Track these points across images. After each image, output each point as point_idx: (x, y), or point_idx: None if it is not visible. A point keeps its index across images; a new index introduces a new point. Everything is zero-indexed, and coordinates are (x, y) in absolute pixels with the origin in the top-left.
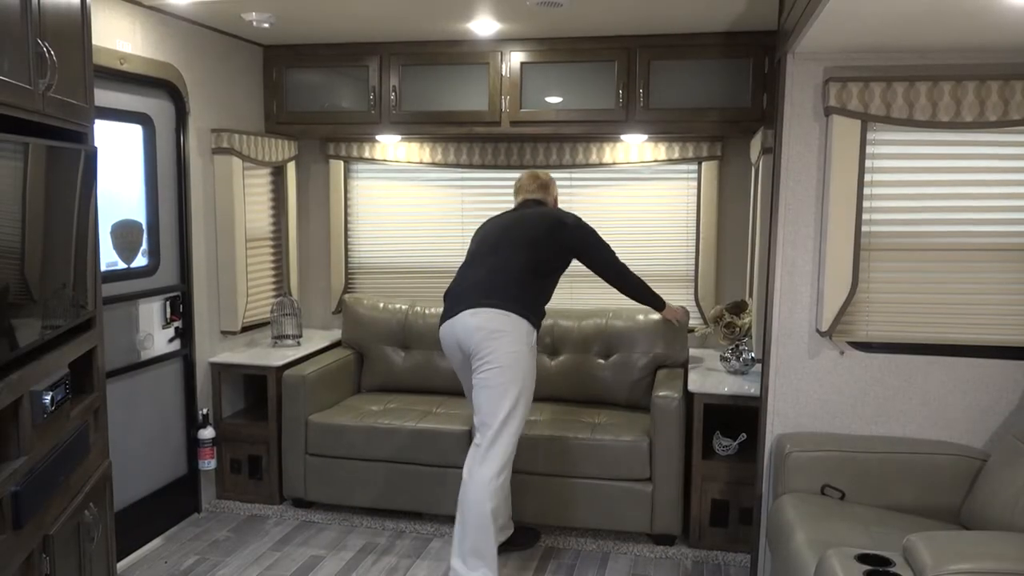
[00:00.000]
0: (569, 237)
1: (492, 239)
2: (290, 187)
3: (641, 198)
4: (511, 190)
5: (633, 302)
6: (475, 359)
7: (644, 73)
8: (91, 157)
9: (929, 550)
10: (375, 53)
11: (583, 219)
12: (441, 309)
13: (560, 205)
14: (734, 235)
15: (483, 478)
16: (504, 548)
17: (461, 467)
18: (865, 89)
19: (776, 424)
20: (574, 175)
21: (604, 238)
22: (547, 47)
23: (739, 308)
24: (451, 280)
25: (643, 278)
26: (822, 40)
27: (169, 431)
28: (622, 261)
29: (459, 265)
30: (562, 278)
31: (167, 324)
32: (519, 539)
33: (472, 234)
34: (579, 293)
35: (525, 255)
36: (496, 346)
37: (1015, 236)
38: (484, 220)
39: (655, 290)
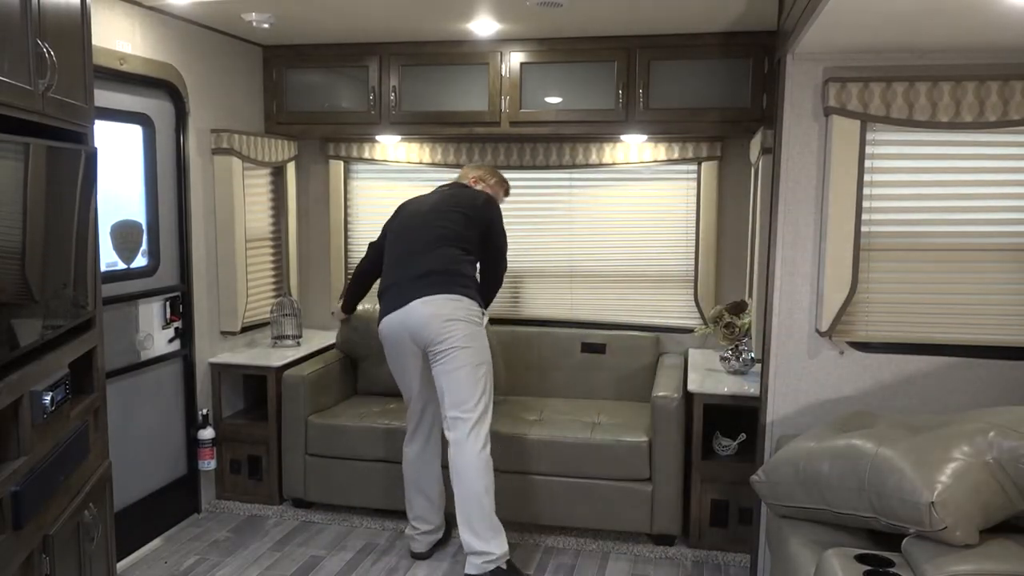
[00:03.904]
0: (483, 213)
1: (421, 231)
2: (290, 187)
3: (641, 198)
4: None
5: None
6: (434, 346)
7: (644, 73)
8: (91, 157)
9: (929, 551)
10: (375, 53)
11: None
12: None
13: (561, 206)
14: (734, 235)
15: (474, 452)
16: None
17: None
18: (864, 89)
19: (776, 424)
20: (574, 175)
21: (606, 238)
22: (547, 47)
23: (739, 308)
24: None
25: (642, 278)
26: (822, 40)
27: (169, 431)
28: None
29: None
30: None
31: (167, 324)
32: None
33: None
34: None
35: (460, 240)
36: (455, 328)
37: (1015, 236)
38: (400, 205)
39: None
